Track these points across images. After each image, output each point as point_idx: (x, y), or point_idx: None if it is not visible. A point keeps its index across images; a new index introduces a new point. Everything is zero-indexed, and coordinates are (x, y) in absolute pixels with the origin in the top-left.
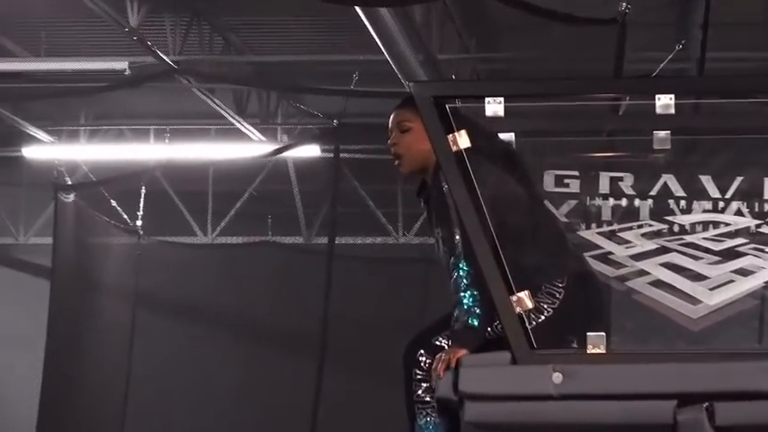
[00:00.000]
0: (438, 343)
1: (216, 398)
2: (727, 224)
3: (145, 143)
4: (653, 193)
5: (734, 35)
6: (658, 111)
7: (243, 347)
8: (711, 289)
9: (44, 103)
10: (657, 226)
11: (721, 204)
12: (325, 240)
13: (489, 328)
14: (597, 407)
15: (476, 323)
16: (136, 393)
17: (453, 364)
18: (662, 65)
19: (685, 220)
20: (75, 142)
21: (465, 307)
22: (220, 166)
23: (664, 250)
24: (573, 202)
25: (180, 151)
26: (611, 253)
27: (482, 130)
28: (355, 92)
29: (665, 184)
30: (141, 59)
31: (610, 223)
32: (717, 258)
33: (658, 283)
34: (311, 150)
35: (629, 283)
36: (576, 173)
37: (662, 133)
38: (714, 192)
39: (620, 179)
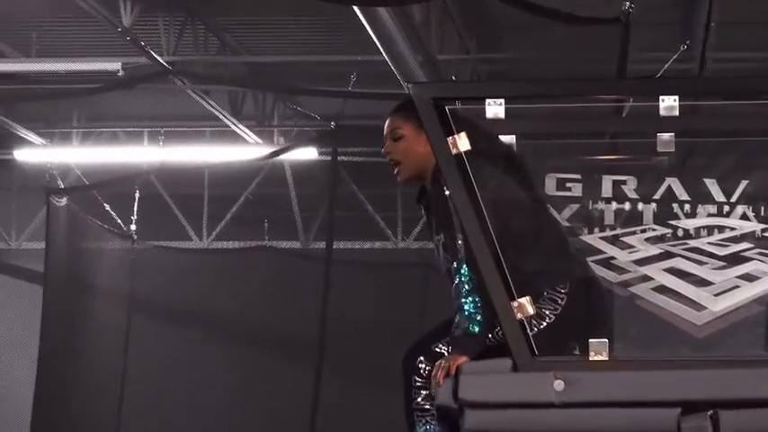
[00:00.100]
0: (438, 350)
1: (212, 403)
2: (732, 228)
3: (139, 146)
4: (656, 196)
5: (739, 34)
6: (662, 112)
7: (239, 353)
8: (716, 295)
9: (36, 105)
10: (661, 230)
11: (726, 208)
12: (322, 245)
13: (490, 335)
14: (599, 415)
15: (477, 330)
16: (131, 398)
17: (453, 372)
18: (666, 65)
19: (689, 224)
20: (67, 145)
21: (466, 313)
22: (216, 169)
23: (667, 255)
24: (575, 206)
25: (174, 154)
26: (613, 258)
27: (482, 133)
28: (353, 93)
29: (669, 187)
30: (135, 60)
31: (613, 227)
32: (722, 263)
33: (662, 289)
34: (308, 153)
35: (633, 289)
36: (579, 176)
37: (666, 135)
38: (719, 195)
39: (623, 182)
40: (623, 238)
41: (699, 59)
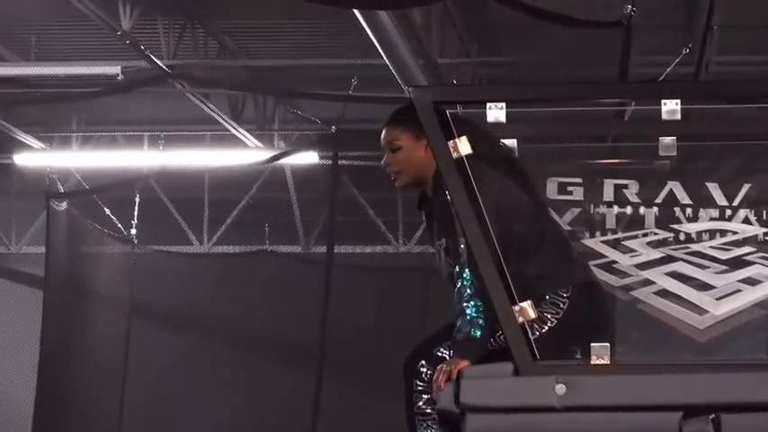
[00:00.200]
0: (439, 354)
1: (213, 408)
2: (734, 232)
3: (138, 150)
4: (658, 200)
5: (742, 38)
6: (664, 116)
7: (240, 358)
8: (718, 299)
9: (35, 109)
10: (663, 234)
11: (728, 212)
12: (323, 249)
13: (492, 340)
14: (601, 419)
15: (478, 334)
16: (131, 402)
17: (455, 376)
18: (668, 69)
19: (691, 228)
20: (67, 149)
21: (468, 317)
22: (216, 174)
23: (669, 259)
24: (576, 210)
25: (174, 158)
26: (615, 262)
27: (484, 136)
28: (354, 97)
29: (671, 191)
30: (134, 64)
31: (614, 231)
32: (724, 267)
33: (664, 293)
34: (309, 157)
35: (634, 293)
36: (580, 180)
37: (668, 139)
38: (721, 199)
39: (625, 186)
40: (625, 242)
41: (696, 63)
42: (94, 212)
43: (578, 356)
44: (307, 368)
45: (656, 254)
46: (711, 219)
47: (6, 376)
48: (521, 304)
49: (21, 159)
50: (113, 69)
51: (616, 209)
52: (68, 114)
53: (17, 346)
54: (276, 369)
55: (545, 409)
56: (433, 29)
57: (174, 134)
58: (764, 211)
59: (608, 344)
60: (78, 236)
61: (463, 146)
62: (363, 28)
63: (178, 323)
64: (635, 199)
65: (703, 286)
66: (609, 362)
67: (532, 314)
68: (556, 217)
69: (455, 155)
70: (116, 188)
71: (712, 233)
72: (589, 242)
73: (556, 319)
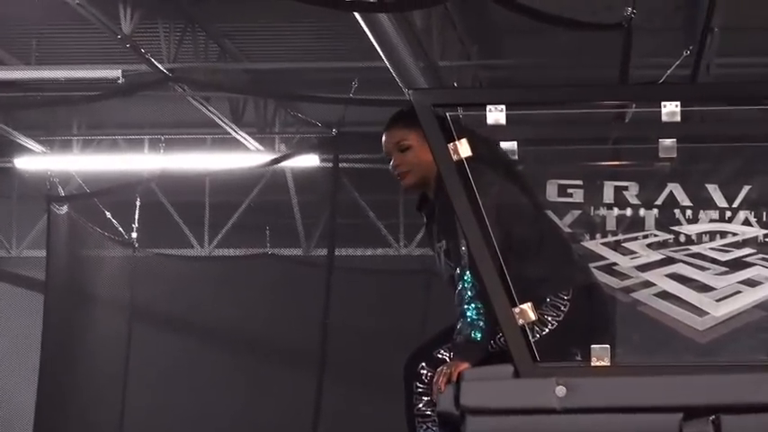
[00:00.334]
0: (440, 356)
1: (214, 411)
2: (734, 234)
3: (139, 153)
4: (658, 202)
5: (742, 40)
6: (664, 118)
7: (241, 361)
8: (718, 300)
9: (36, 113)
10: (663, 236)
11: (728, 214)
12: (324, 252)
13: (492, 342)
14: (601, 420)
15: (479, 336)
16: (132, 406)
17: (455, 378)
18: (669, 71)
19: (692, 230)
20: (67, 152)
21: (468, 320)
22: (217, 177)
23: (669, 261)
24: (577, 212)
25: (175, 161)
26: (615, 264)
27: (483, 140)
28: (354, 100)
29: (671, 193)
30: (135, 67)
31: (614, 233)
32: (724, 269)
33: (664, 295)
34: (310, 160)
35: (635, 295)
36: (580, 182)
37: (668, 141)
38: (721, 201)
39: (625, 188)
40: (625, 244)
41: (693, 64)
42: (95, 216)
43: (579, 359)
44: (307, 371)
45: (656, 255)
46: (711, 220)
47: (7, 380)
48: (521, 306)
49: (21, 163)
50: (114, 73)
51: (616, 211)
52: (69, 118)
53: (18, 350)
54: (277, 372)
55: (545, 411)
56: (433, 31)
57: (175, 137)
58: (764, 213)
59: (608, 345)
60: (79, 239)
61: (463, 148)
62: (364, 31)
63: (179, 326)
64: (635, 201)
65: (703, 288)
66: (609, 363)
67: (533, 316)
68: (556, 219)
69: (455, 157)
70: (117, 191)
71: (712, 235)
72: (589, 244)
73: (556, 321)
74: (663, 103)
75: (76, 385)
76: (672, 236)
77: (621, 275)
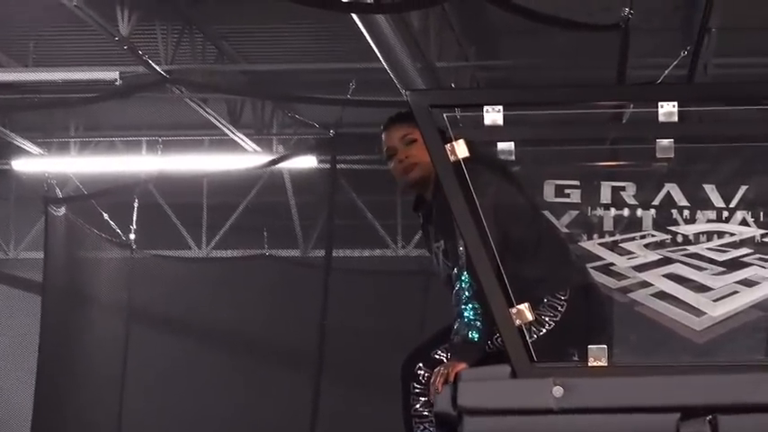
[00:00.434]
0: (437, 356)
1: (211, 412)
2: (731, 234)
3: (137, 155)
4: (656, 202)
5: (740, 40)
6: (661, 119)
7: (239, 362)
8: (715, 300)
9: (33, 115)
10: (660, 236)
11: (725, 214)
12: (322, 253)
13: (489, 342)
14: (598, 421)
15: (476, 336)
16: (130, 408)
17: (452, 378)
18: (666, 71)
19: (689, 230)
20: (65, 154)
21: (465, 320)
22: (215, 178)
23: (667, 261)
24: (574, 213)
25: (173, 163)
26: (612, 264)
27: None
28: (352, 101)
29: (668, 193)
30: (132, 69)
31: (612, 234)
32: (721, 269)
33: (661, 295)
34: (307, 161)
35: (632, 295)
36: (577, 182)
37: (665, 142)
38: (718, 201)
39: (622, 189)
40: (622, 245)
41: (690, 64)
42: (93, 218)
43: (576, 359)
44: (305, 371)
45: (653, 256)
46: (709, 221)
47: (5, 381)
48: (518, 306)
49: (19, 165)
50: (111, 75)
51: (613, 211)
52: (66, 120)
53: (15, 352)
54: (275, 373)
55: (542, 412)
56: (430, 32)
57: (173, 139)
58: (761, 213)
59: (605, 346)
60: (76, 241)
61: (460, 149)
62: (361, 32)
63: (176, 328)
64: (632, 201)
65: (701, 288)
66: (606, 364)
67: (530, 316)
68: (553, 219)
69: (452, 158)
70: (114, 193)
71: (709, 235)
72: (587, 245)
73: (554, 321)
74: (660, 104)
75: (74, 386)
76: (669, 236)
77: (619, 276)
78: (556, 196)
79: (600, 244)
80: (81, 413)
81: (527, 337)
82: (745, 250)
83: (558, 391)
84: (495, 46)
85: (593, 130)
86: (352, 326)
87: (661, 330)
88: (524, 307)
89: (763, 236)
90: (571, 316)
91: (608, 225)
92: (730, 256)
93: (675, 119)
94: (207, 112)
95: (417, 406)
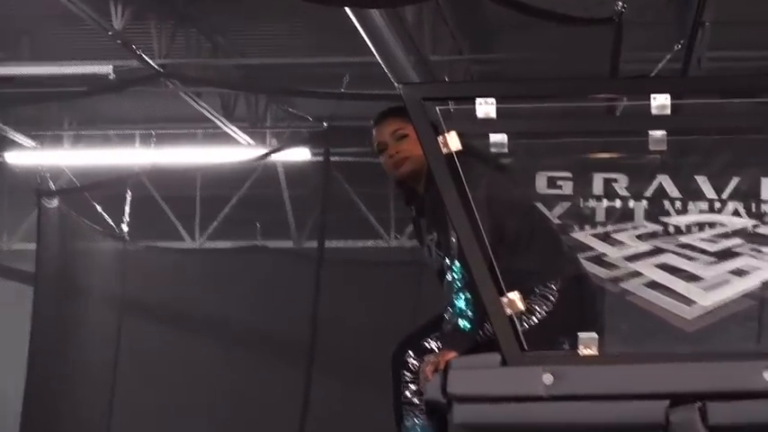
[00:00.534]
0: (427, 345)
1: (204, 403)
2: (723, 225)
3: (130, 148)
4: (648, 194)
5: (734, 33)
6: (654, 111)
7: (231, 354)
8: (707, 289)
9: (26, 108)
10: (652, 227)
11: (717, 205)
12: (315, 245)
13: (480, 331)
14: (588, 407)
15: (467, 326)
16: (122, 400)
17: (442, 367)
18: (660, 65)
19: (681, 221)
20: (58, 147)
21: (457, 309)
22: (208, 171)
23: (658, 251)
24: (566, 204)
25: (166, 156)
26: (604, 255)
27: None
28: (346, 94)
29: (661, 184)
30: (126, 63)
31: (604, 225)
32: (712, 259)
33: (653, 285)
34: (301, 154)
35: (624, 285)
36: (570, 174)
37: (657, 134)
38: (710, 192)
39: (615, 180)
40: (614, 235)
41: (683, 58)
42: (86, 210)
43: (567, 348)
44: (297, 363)
45: (645, 246)
46: (701, 211)
47: None
48: (509, 295)
49: (12, 158)
50: (105, 69)
51: (605, 202)
52: (60, 113)
53: (7, 343)
54: (267, 364)
55: (532, 399)
56: (424, 26)
57: (166, 132)
58: (753, 204)
59: (595, 334)
60: (70, 233)
61: (453, 141)
62: (355, 26)
63: (169, 318)
64: (624, 192)
65: (692, 277)
66: (596, 352)
67: (521, 305)
68: (546, 211)
69: (445, 150)
70: (107, 185)
71: (701, 225)
72: (579, 235)
73: (545, 311)
74: (653, 96)
75: (66, 377)
76: (661, 227)
77: (610, 266)
78: (548, 188)
79: (592, 235)
80: (73, 403)
81: (518, 326)
82: (736, 240)
83: (548, 378)
84: (489, 40)
85: (586, 122)
86: (345, 316)
87: (652, 319)
88: (515, 296)
89: (754, 226)
90: (563, 306)
91: (600, 216)
92: (722, 247)
93: (668, 111)
94: (200, 105)
95: (407, 394)
